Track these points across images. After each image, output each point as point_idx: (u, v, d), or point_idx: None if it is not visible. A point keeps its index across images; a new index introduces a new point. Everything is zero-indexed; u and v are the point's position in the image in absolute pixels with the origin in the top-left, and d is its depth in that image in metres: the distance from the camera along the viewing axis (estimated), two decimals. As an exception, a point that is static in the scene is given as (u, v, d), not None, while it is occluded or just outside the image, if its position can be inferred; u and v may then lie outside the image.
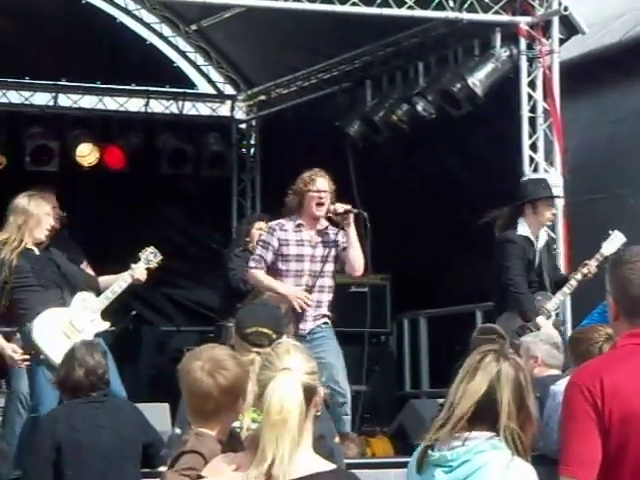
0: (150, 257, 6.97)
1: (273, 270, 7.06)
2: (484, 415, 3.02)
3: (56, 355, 6.31)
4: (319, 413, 3.15)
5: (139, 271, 6.83)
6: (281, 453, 2.89)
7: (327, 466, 3.01)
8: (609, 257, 7.48)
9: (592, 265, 7.59)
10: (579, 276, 7.61)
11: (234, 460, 3.06)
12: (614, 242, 7.62)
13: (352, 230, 6.98)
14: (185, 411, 3.73)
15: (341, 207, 6.99)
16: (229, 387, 3.52)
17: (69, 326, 6.58)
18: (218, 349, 3.67)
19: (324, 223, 7.12)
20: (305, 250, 7.04)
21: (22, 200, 6.67)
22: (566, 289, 7.70)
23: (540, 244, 7.74)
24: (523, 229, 7.59)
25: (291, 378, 2.95)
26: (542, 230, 7.79)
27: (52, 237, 6.85)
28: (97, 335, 6.64)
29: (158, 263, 6.99)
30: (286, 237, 7.05)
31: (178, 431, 4.05)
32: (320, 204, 7.00)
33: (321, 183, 7.00)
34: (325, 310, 7.11)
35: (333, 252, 7.08)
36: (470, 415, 3.01)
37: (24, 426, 6.71)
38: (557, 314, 8.12)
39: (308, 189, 6.99)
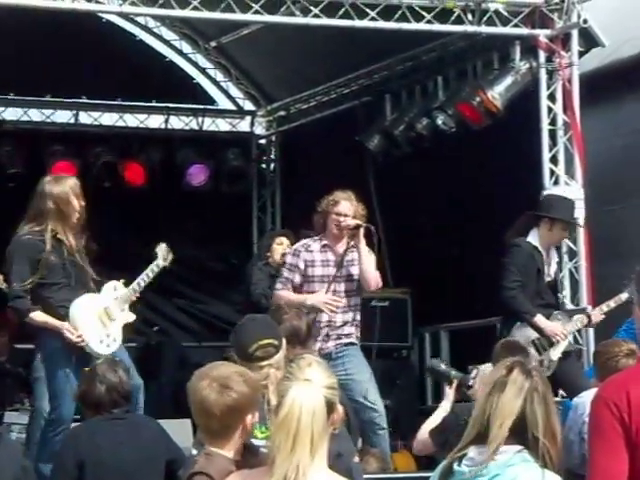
0: (164, 253, 6.81)
1: (297, 292, 7.05)
2: (514, 429, 3.02)
3: (94, 341, 6.33)
4: (336, 431, 3.13)
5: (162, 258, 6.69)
6: (297, 463, 2.87)
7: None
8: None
9: (598, 315, 7.62)
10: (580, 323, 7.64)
11: (249, 476, 3.05)
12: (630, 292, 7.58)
13: (362, 245, 6.96)
14: None
15: (352, 222, 6.99)
16: (235, 406, 3.50)
17: (104, 313, 6.48)
18: (225, 367, 3.65)
19: (348, 241, 7.11)
20: (330, 270, 7.03)
21: (47, 184, 6.50)
22: (585, 319, 7.64)
23: (553, 264, 7.64)
24: (533, 239, 7.52)
25: (311, 388, 2.94)
26: (553, 251, 7.70)
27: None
28: (126, 326, 6.55)
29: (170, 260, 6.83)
30: (312, 258, 7.05)
31: (194, 452, 4.05)
32: (340, 227, 7.00)
33: (344, 206, 7.00)
34: (350, 329, 7.07)
35: (357, 270, 7.07)
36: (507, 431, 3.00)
37: (44, 427, 6.65)
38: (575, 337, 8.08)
39: (329, 211, 7.00)
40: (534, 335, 7.32)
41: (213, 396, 3.49)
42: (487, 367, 6.57)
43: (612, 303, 7.65)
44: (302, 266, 7.02)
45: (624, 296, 7.58)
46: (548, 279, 7.56)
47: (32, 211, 6.54)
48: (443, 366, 6.51)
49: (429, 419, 6.26)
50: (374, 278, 7.04)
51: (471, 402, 6.15)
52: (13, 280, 6.41)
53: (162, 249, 6.83)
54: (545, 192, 7.87)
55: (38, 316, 6.39)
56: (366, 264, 6.98)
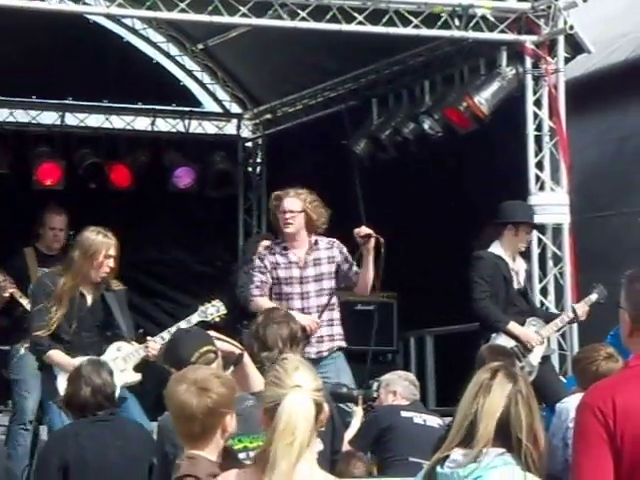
0: (210, 310, 6.71)
1: (271, 292, 7.03)
2: (498, 431, 3.03)
3: None
4: (323, 428, 3.18)
5: (155, 346, 6.51)
6: (284, 466, 2.93)
7: (327, 478, 3.06)
8: (595, 304, 7.57)
9: (582, 308, 7.62)
10: (568, 316, 7.65)
11: (243, 476, 3.08)
12: (599, 293, 7.66)
13: (371, 255, 6.91)
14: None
15: (365, 230, 6.93)
16: (214, 408, 3.53)
17: None
18: (202, 370, 3.68)
19: (311, 239, 7.03)
20: (293, 272, 6.99)
21: (86, 234, 6.48)
22: (559, 322, 7.69)
23: (521, 271, 7.65)
24: (496, 249, 7.54)
25: (303, 395, 2.96)
26: (519, 259, 7.72)
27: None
28: (124, 386, 6.45)
29: (220, 317, 6.72)
30: (275, 260, 7.04)
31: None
32: (287, 224, 6.94)
33: (288, 203, 6.93)
34: (329, 330, 7.04)
35: (327, 268, 7.02)
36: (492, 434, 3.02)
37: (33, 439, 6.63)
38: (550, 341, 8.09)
39: (276, 209, 6.98)
40: (512, 343, 7.35)
41: (193, 399, 3.52)
42: (387, 376, 6.74)
43: (582, 304, 7.71)
44: (269, 267, 7.02)
45: (594, 297, 7.66)
46: (518, 286, 7.58)
47: (68, 255, 6.54)
48: (344, 389, 6.65)
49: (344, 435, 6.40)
50: (369, 286, 7.01)
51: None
52: (33, 325, 6.43)
53: (207, 306, 6.69)
54: (502, 203, 7.93)
55: (56, 355, 6.35)
56: (369, 272, 6.93)
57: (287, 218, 6.93)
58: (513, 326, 7.35)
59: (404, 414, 6.42)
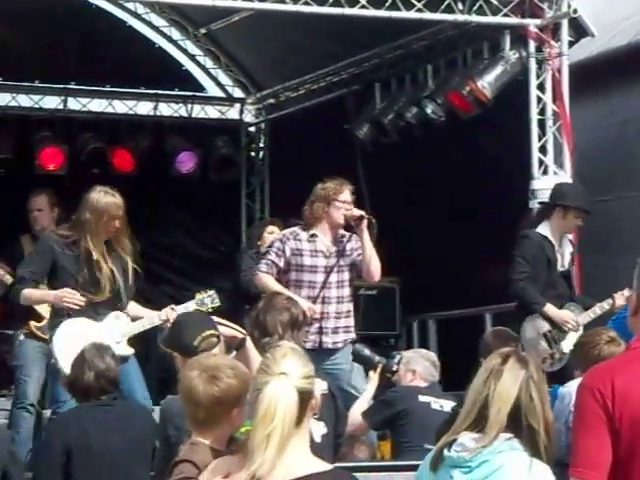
0: (206, 300, 6.68)
1: (285, 280, 7.01)
2: (509, 417, 3.04)
3: (66, 365, 6.14)
4: (316, 416, 3.16)
5: (173, 315, 6.39)
6: (267, 455, 2.89)
7: (323, 467, 3.01)
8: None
9: (621, 297, 7.45)
10: (609, 303, 7.49)
11: (227, 464, 3.07)
12: None
13: (366, 235, 6.93)
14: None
15: (357, 212, 6.96)
16: (221, 397, 3.53)
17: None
18: (217, 358, 3.69)
19: (339, 231, 7.10)
20: (319, 261, 6.98)
21: (92, 192, 6.44)
22: (598, 309, 7.44)
23: (566, 254, 7.54)
24: (544, 230, 7.41)
25: (286, 382, 2.93)
26: (566, 241, 7.59)
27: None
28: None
29: (213, 308, 6.64)
30: (299, 247, 7.01)
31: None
32: (346, 216, 6.97)
33: (347, 195, 6.96)
34: (348, 321, 7.05)
35: (348, 260, 7.04)
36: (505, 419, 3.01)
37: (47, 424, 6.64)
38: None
39: (335, 198, 6.93)
40: (546, 327, 7.25)
41: (201, 386, 3.52)
42: (409, 353, 6.69)
43: (626, 292, 7.52)
44: (288, 253, 7.00)
45: None
46: (561, 269, 7.46)
47: (74, 216, 6.50)
48: (367, 351, 6.60)
49: (357, 403, 6.38)
50: (378, 269, 7.00)
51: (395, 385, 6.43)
52: (20, 266, 6.43)
53: (204, 296, 6.66)
54: (557, 182, 7.79)
55: (33, 294, 6.35)
56: (371, 254, 6.92)
57: (348, 209, 6.93)
58: (549, 308, 7.21)
59: (422, 398, 6.35)
